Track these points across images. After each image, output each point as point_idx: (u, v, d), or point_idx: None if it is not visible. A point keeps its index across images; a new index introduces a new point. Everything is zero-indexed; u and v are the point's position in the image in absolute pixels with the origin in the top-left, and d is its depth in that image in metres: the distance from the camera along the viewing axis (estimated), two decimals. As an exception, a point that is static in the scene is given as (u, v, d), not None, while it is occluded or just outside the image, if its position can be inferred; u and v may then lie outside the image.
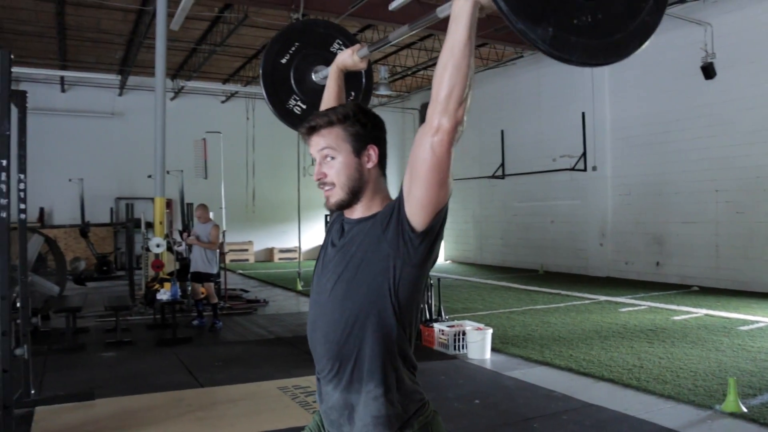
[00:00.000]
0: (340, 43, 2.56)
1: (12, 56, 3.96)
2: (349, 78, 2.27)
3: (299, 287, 12.31)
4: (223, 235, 11.00)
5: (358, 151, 1.66)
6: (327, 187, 1.66)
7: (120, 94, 18.27)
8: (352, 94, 2.49)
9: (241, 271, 16.65)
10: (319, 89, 2.32)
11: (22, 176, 4.89)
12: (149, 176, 10.51)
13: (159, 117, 10.13)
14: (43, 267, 8.25)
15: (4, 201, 3.82)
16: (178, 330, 7.87)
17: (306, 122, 1.69)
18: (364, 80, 2.57)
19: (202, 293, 8.71)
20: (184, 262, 10.41)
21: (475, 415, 4.70)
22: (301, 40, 2.53)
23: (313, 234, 19.06)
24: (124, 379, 5.80)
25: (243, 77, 18.01)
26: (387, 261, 1.53)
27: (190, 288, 9.45)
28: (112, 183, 17.97)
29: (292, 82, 2.49)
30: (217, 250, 8.84)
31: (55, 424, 4.54)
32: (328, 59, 2.42)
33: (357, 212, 1.68)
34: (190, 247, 9.26)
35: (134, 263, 11.93)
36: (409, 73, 17.38)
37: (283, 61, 2.49)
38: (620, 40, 1.46)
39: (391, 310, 1.54)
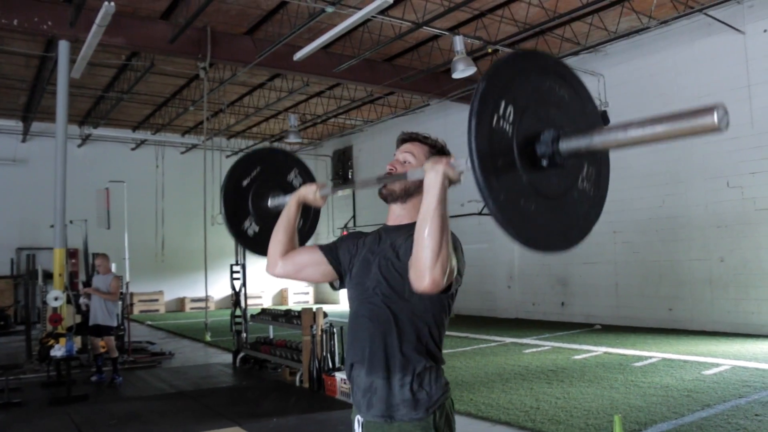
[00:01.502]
0: (296, 172, 2.71)
1: None
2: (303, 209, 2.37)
3: (207, 338, 12.04)
4: (127, 286, 10.71)
5: None
6: (386, 191, 2.03)
7: (23, 141, 17.66)
8: (301, 221, 2.57)
9: (150, 322, 16.14)
10: (274, 214, 2.42)
11: None
12: (51, 226, 10.15)
13: (59, 165, 9.89)
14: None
15: None
16: (74, 387, 7.51)
17: (408, 132, 2.11)
18: (312, 213, 2.67)
19: (102, 347, 8.39)
20: (86, 315, 10.03)
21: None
22: (263, 165, 2.64)
23: (222, 284, 18.70)
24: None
25: (153, 124, 17.77)
26: None
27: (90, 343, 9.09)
28: (13, 232, 17.20)
29: (250, 204, 2.59)
30: (119, 302, 8.57)
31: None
32: (284, 187, 2.61)
33: (396, 217, 2.05)
34: (89, 297, 8.93)
35: (34, 317, 11.40)
36: (320, 120, 17.57)
37: (245, 183, 2.60)
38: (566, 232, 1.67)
39: (424, 311, 1.89)
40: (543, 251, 1.66)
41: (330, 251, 2.16)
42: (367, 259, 2.01)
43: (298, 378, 7.67)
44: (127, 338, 10.21)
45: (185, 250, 19.20)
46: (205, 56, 10.87)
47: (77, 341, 9.51)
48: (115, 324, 8.42)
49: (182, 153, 19.97)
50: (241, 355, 9.24)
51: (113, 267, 9.56)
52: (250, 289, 11.03)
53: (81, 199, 13.16)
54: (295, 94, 14.35)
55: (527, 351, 9.46)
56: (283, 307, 13.57)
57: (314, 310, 7.68)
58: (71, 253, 13.82)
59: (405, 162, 2.03)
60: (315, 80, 13.56)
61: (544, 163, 1.56)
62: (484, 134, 1.52)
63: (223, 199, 2.54)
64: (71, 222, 11.88)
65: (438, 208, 1.64)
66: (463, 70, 10.50)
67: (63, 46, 9.90)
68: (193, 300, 19.85)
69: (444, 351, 1.98)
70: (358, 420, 1.94)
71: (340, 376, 6.88)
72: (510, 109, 1.54)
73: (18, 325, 14.07)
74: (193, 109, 15.03)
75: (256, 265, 16.95)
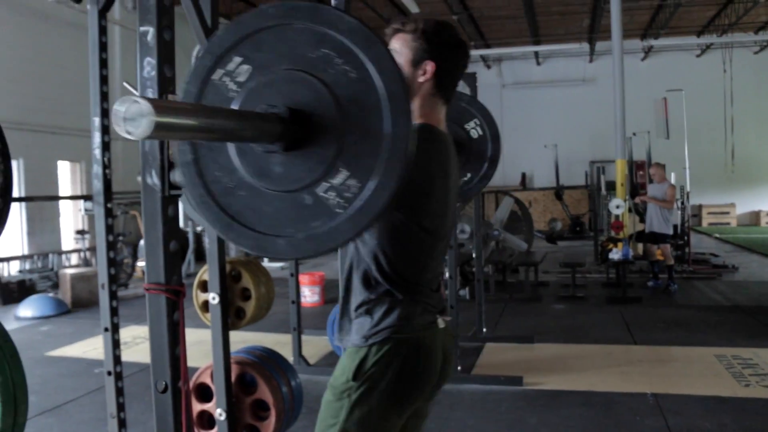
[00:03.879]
0: None
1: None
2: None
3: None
4: (688, 196, 10.57)
5: (416, 63, 1.70)
6: None
7: (590, 61, 18.81)
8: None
9: (717, 235, 15.56)
10: None
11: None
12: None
13: (618, 79, 10.34)
14: (515, 225, 9.24)
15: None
16: (630, 289, 8.00)
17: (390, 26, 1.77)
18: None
19: (659, 255, 8.60)
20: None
21: None
22: None
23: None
24: (565, 330, 6.27)
25: (718, 26, 16.55)
26: None
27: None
28: (585, 147, 18.66)
29: None
30: (674, 209, 8.62)
31: (497, 359, 5.27)
32: None
33: None
34: (645, 206, 9.17)
35: (603, 225, 12.37)
36: None
37: None
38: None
39: (369, 237, 1.65)
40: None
41: None
42: None
43: None
44: (688, 249, 10.14)
45: (760, 159, 17.65)
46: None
47: (638, 248, 9.94)
48: (670, 232, 8.50)
49: (756, 53, 18.13)
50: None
51: (672, 177, 9.58)
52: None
53: (647, 112, 13.38)
54: None
55: None
56: None
57: None
58: (638, 165, 14.22)
59: None
60: None
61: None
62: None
63: None
64: (634, 134, 12.28)
65: None
66: None
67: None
68: (770, 213, 18.21)
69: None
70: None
71: None
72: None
73: (591, 232, 15.43)
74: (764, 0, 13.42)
75: None
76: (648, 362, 5.10)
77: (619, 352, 5.39)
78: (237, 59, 1.30)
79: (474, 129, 3.77)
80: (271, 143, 1.24)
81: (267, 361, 2.65)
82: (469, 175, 3.72)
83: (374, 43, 1.20)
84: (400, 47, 1.70)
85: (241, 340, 3.89)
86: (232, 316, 2.84)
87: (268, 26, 1.28)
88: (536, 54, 18.80)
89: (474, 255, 6.00)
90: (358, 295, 1.68)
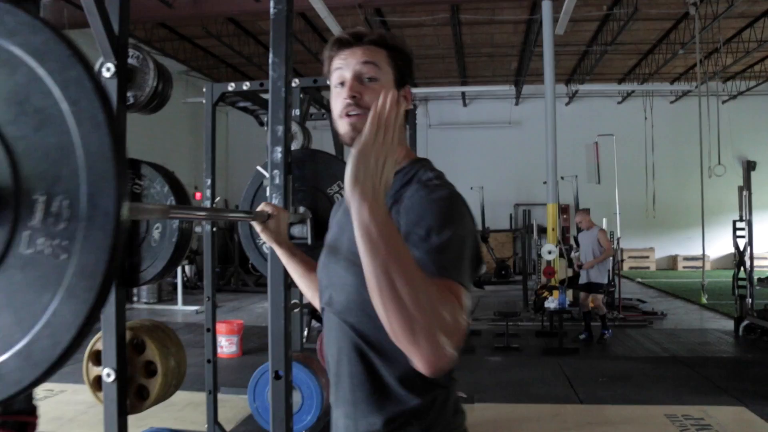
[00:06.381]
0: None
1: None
2: None
3: (703, 300, 11.07)
4: (618, 242, 10.51)
5: (399, 85, 1.33)
6: (356, 111, 1.28)
7: (516, 104, 19.04)
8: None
9: (640, 280, 15.75)
10: None
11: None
12: (544, 182, 10.65)
13: (550, 123, 10.27)
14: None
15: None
16: (564, 339, 7.70)
17: (348, 31, 1.35)
18: None
19: (591, 303, 8.38)
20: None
21: None
22: None
23: (722, 242, 17.02)
24: (505, 386, 5.85)
25: (639, 74, 17.06)
26: None
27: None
28: (510, 190, 18.74)
29: None
30: (610, 258, 8.46)
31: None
32: None
33: None
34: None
35: (530, 269, 12.22)
36: None
37: None
38: None
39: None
40: None
41: None
42: (334, 244, 1.41)
43: (821, 357, 6.37)
44: (618, 294, 10.04)
45: (678, 205, 18.13)
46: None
47: (569, 295, 9.74)
48: (606, 281, 8.31)
49: (672, 102, 18.78)
50: (745, 323, 8.15)
51: (604, 222, 9.49)
52: (756, 249, 9.63)
53: (571, 156, 13.46)
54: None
55: None
56: (799, 271, 11.62)
57: (844, 277, 6.23)
58: (563, 209, 14.30)
59: (367, 77, 1.30)
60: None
61: None
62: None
63: None
64: (562, 178, 12.27)
65: (377, 259, 0.96)
66: None
67: (546, 6, 10.14)
68: (686, 258, 18.66)
69: None
70: None
71: None
72: None
73: (516, 275, 15.34)
74: (683, 52, 13.85)
75: (764, 222, 15.00)
76: (598, 425, 4.72)
77: (567, 413, 4.99)
78: None
79: (337, 194, 3.08)
80: None
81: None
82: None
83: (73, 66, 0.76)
84: (381, 65, 1.32)
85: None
86: (131, 397, 2.25)
87: None
88: (463, 95, 18.86)
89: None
90: (393, 403, 1.23)
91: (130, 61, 1.98)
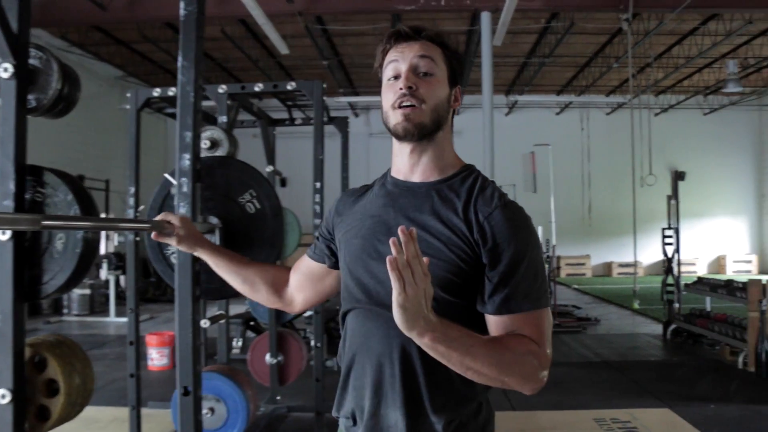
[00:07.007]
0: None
1: (325, 86, 4.26)
2: None
3: (635, 306, 11.39)
4: (553, 249, 10.73)
5: (452, 83, 1.38)
6: (412, 102, 1.31)
7: (456, 114, 19.20)
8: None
9: (576, 286, 16.09)
10: None
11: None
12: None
13: (487, 133, 10.36)
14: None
15: (317, 221, 4.12)
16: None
17: (407, 25, 1.37)
18: None
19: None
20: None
21: None
22: None
23: (654, 249, 17.55)
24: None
25: (576, 87, 17.50)
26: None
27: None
28: (453, 199, 18.88)
29: None
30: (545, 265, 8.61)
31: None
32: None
33: (423, 166, 1.42)
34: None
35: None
36: (766, 64, 15.00)
37: None
38: None
39: None
40: None
41: (317, 249, 1.54)
42: (372, 239, 1.39)
43: (741, 359, 6.61)
44: (554, 301, 10.22)
45: (613, 213, 18.60)
46: (627, 7, 10.06)
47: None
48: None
49: (607, 114, 19.32)
50: (673, 327, 8.42)
51: (540, 230, 9.65)
52: (684, 255, 9.98)
53: (510, 165, 13.67)
54: (733, 36, 12.45)
55: None
56: (722, 277, 12.04)
57: (764, 282, 6.50)
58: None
59: (423, 72, 1.33)
60: (760, 15, 11.53)
61: None
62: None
63: None
64: (501, 187, 12.39)
65: (452, 363, 1.14)
66: None
67: (485, 18, 10.26)
68: (621, 265, 19.15)
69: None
70: None
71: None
72: None
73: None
74: (617, 66, 14.27)
75: (692, 229, 15.53)
76: (529, 431, 4.78)
77: (499, 420, 4.95)
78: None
79: (249, 203, 2.93)
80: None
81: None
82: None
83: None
84: (437, 60, 1.35)
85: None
86: (31, 419, 2.14)
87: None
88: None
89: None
90: (452, 404, 1.31)
91: (31, 61, 1.89)
